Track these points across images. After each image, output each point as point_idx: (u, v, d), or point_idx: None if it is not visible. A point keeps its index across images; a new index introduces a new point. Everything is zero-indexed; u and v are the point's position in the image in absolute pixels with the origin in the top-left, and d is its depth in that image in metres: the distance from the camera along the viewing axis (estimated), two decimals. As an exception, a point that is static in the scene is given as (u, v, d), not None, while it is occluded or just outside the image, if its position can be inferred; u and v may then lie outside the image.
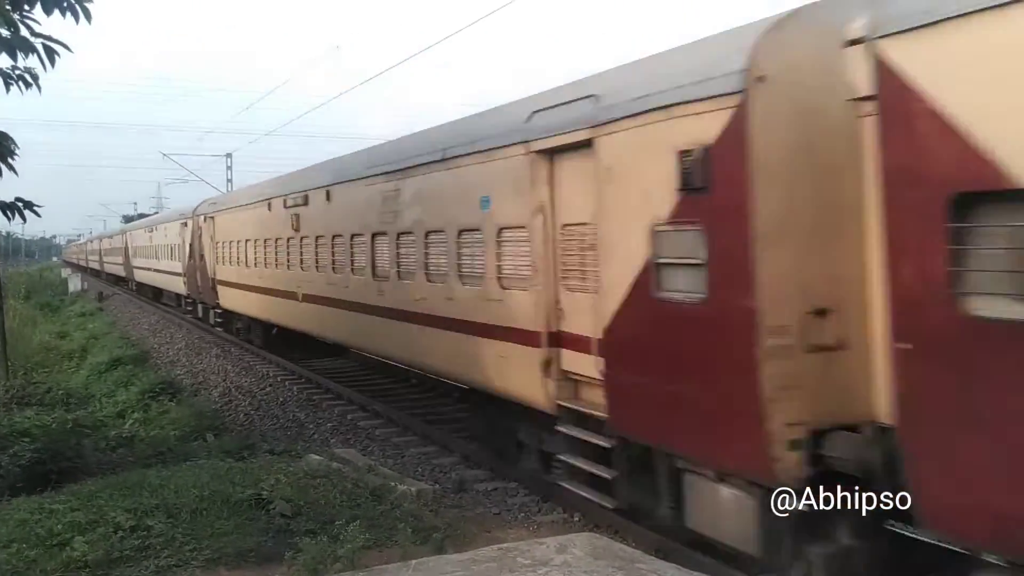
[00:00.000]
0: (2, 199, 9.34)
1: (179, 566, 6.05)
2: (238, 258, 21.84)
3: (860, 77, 5.32)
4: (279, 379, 18.50)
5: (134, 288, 46.44)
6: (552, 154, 8.24)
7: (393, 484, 8.47)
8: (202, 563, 6.12)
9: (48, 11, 8.33)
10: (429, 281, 10.74)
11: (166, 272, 33.80)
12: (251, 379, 18.91)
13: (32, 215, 9.44)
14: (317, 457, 9.54)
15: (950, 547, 4.92)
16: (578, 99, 7.88)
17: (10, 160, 8.98)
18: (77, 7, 8.30)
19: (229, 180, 50.53)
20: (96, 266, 71.07)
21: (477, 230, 9.52)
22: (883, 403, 5.37)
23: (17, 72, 8.58)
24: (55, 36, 8.28)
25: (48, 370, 21.30)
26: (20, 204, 9.23)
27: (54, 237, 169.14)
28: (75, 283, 56.31)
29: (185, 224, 28.67)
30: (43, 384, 17.33)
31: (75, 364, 23.01)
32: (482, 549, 6.13)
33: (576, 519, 8.56)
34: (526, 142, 8.49)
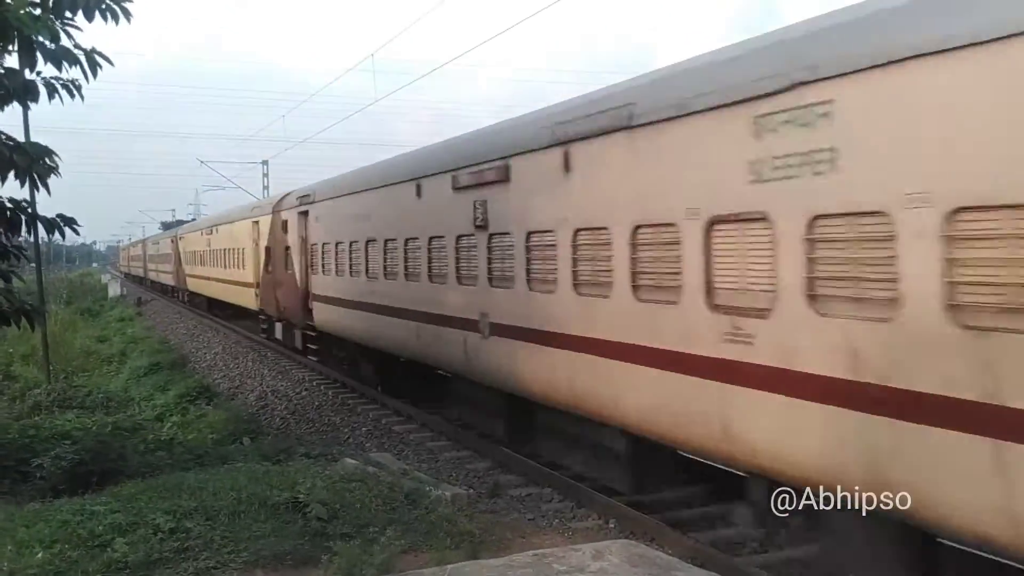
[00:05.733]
0: (43, 214, 9.48)
1: (217, 568, 6.07)
2: (195, 261, 39.18)
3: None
4: (314, 383, 18.64)
5: (148, 285, 63.85)
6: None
7: (428, 488, 8.47)
8: (240, 565, 6.14)
9: (90, 18, 8.47)
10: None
11: (166, 272, 52.84)
12: (287, 383, 19.08)
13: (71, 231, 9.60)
14: (352, 461, 9.57)
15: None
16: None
17: (53, 175, 9.13)
18: (116, 8, 8.44)
19: (265, 187, 51.06)
20: (125, 269, 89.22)
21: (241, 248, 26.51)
22: None
23: (61, 83, 8.72)
24: (93, 35, 8.44)
25: (88, 374, 21.72)
26: (61, 221, 9.36)
27: (94, 243, 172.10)
28: (114, 289, 57.22)
29: (171, 240, 48.80)
30: (83, 387, 17.67)
31: (115, 368, 23.42)
32: (517, 555, 6.09)
33: (611, 525, 8.50)
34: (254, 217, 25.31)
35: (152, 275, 61.11)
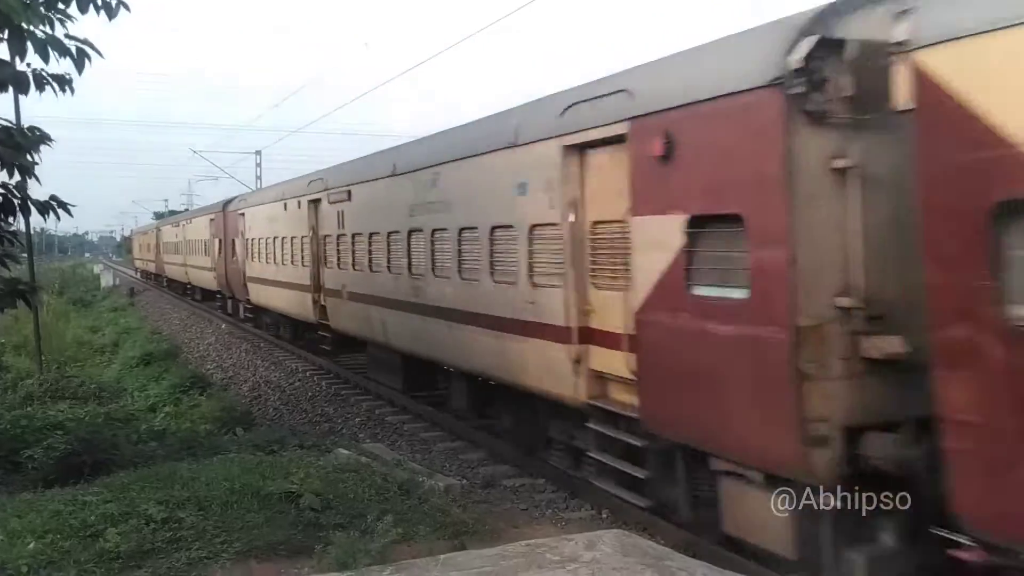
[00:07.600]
0: (36, 198, 9.39)
1: (210, 558, 6.08)
2: (151, 248, 52.89)
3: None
4: (307, 374, 18.62)
5: (138, 275, 66.99)
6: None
7: (421, 479, 8.48)
8: (232, 556, 6.14)
9: (83, 9, 8.33)
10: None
11: (144, 259, 60.53)
12: (280, 374, 19.05)
13: (66, 213, 9.51)
14: (346, 451, 9.56)
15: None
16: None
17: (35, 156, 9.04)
18: (112, 2, 8.32)
19: (258, 177, 50.90)
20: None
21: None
22: None
23: (52, 76, 8.55)
24: (87, 30, 8.29)
25: (81, 364, 21.61)
26: (54, 204, 9.28)
27: (86, 233, 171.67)
28: (107, 279, 57.08)
29: (156, 231, 53.01)
30: (76, 378, 17.55)
31: (107, 358, 23.33)
32: (510, 545, 6.11)
33: (604, 516, 8.52)
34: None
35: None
